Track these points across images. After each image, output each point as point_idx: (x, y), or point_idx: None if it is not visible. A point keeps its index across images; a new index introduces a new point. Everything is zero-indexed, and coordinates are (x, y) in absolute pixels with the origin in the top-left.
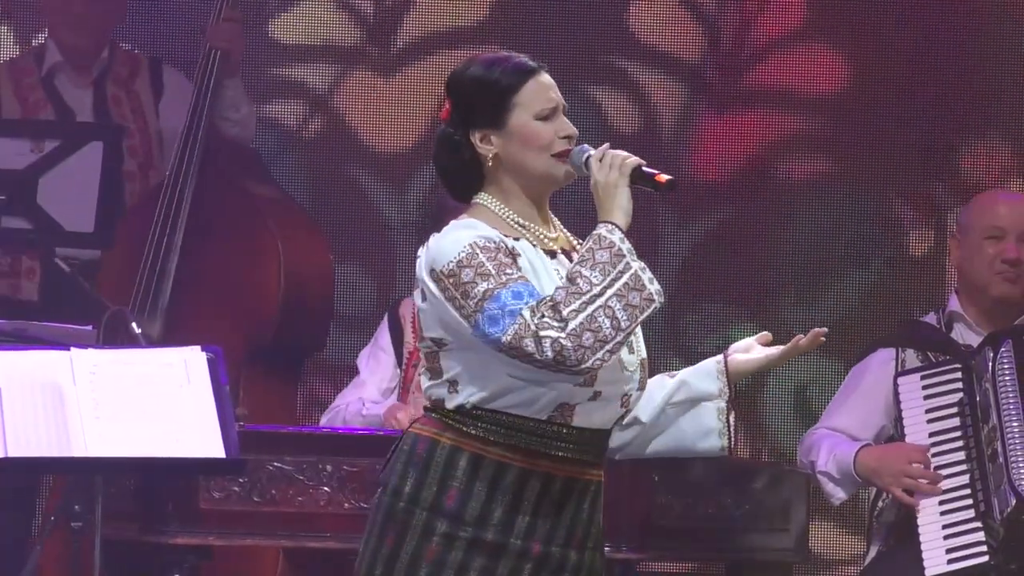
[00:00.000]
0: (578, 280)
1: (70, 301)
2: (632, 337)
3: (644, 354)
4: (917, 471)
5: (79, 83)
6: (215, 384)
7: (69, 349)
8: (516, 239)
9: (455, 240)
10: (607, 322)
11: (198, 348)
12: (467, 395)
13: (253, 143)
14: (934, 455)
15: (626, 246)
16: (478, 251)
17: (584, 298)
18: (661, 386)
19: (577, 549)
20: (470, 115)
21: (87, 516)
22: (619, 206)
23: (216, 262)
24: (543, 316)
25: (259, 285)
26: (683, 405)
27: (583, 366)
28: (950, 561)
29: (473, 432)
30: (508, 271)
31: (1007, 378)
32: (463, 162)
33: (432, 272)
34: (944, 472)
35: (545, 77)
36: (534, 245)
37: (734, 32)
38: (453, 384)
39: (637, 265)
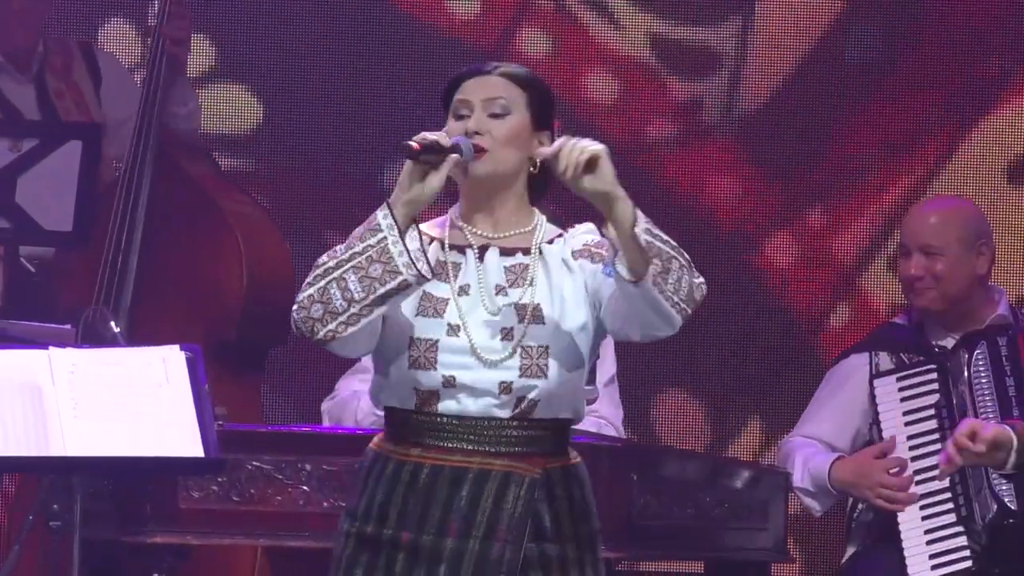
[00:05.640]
0: (327, 254)
1: (32, 302)
2: (507, 323)
3: (535, 342)
4: (894, 481)
5: (20, 80)
6: (194, 383)
7: (47, 348)
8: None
9: None
10: (338, 293)
11: (177, 347)
12: (373, 394)
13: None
14: (912, 458)
15: (386, 221)
16: None
17: (319, 271)
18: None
19: (457, 537)
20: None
21: (65, 516)
22: (398, 184)
23: (177, 258)
24: None
25: (222, 280)
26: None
27: (316, 337)
28: (934, 567)
29: (385, 433)
30: None
31: (983, 381)
32: None
33: None
34: (923, 476)
35: (480, 79)
36: (442, 242)
37: None
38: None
39: (393, 238)
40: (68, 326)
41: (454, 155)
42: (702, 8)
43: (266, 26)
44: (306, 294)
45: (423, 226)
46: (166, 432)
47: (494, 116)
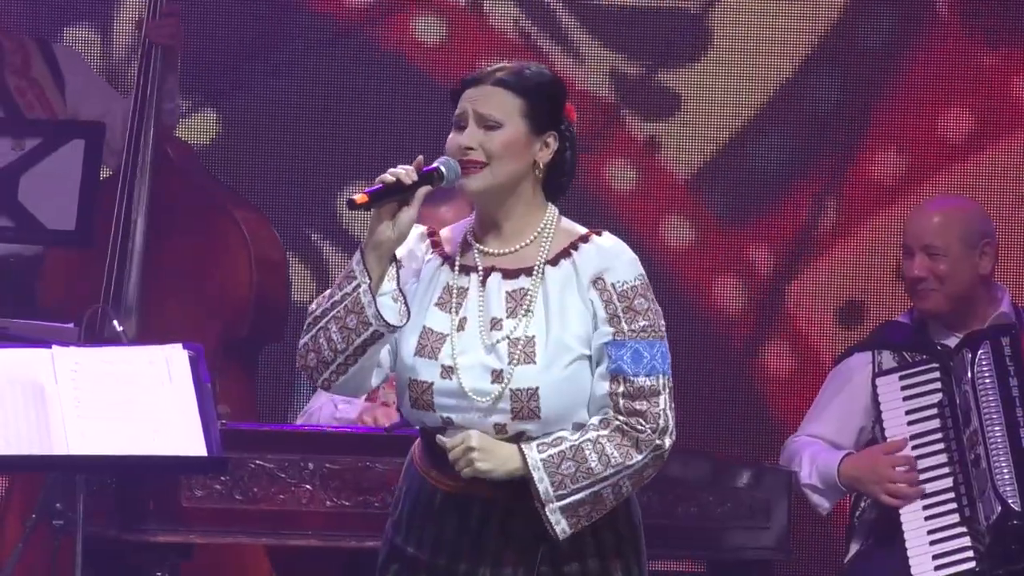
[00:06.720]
0: (317, 301)
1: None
2: (497, 364)
3: (524, 385)
4: (901, 475)
5: None
6: (197, 382)
7: (50, 347)
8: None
9: None
10: (325, 343)
11: (180, 346)
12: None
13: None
14: (916, 457)
15: (359, 268)
16: None
17: (310, 319)
18: None
19: (469, 563)
20: None
21: (68, 514)
22: (369, 226)
23: (183, 256)
24: None
25: (232, 276)
26: None
27: (317, 384)
28: (937, 567)
29: None
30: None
31: (987, 381)
32: None
33: None
34: (926, 475)
35: (476, 88)
36: (452, 262)
37: None
38: None
39: (364, 287)
40: (71, 324)
41: (425, 186)
42: (665, 49)
43: (227, 41)
44: (302, 342)
45: (443, 232)
46: (169, 431)
47: (488, 128)
